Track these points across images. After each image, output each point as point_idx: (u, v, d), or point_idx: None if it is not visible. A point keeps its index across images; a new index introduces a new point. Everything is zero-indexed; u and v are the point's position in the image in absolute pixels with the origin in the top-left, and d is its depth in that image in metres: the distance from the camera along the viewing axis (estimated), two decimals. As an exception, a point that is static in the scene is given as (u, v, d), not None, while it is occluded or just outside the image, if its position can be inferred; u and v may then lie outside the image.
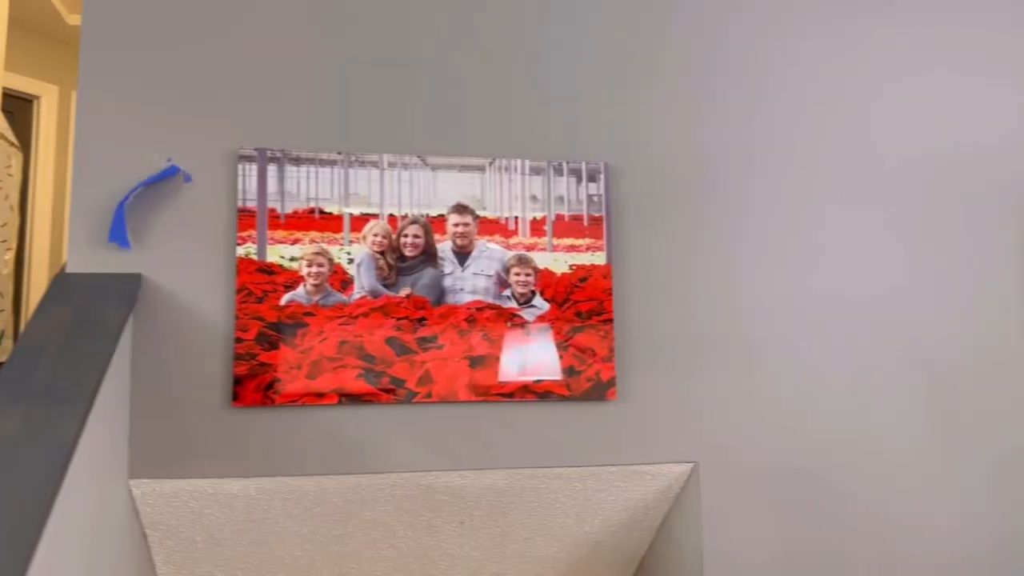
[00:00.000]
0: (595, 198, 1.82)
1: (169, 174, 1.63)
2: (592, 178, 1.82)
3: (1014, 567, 1.88)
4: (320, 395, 1.65)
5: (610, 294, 1.79)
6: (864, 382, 1.88)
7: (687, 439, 1.80)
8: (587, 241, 1.80)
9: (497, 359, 1.72)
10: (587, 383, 1.76)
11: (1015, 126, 2.04)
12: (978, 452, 1.90)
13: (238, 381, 1.61)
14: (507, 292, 1.75)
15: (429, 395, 1.69)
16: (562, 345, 1.76)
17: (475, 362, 1.72)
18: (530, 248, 1.77)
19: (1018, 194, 2.02)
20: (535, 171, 1.80)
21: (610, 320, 1.78)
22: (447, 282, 1.73)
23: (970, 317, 1.94)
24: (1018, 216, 2.01)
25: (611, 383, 1.77)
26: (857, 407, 1.87)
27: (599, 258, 1.80)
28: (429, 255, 1.73)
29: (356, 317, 1.68)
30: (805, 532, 1.82)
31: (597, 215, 1.81)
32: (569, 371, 1.76)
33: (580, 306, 1.78)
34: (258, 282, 1.64)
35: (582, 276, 1.79)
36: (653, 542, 2.00)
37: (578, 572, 2.02)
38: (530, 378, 1.74)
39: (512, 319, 1.75)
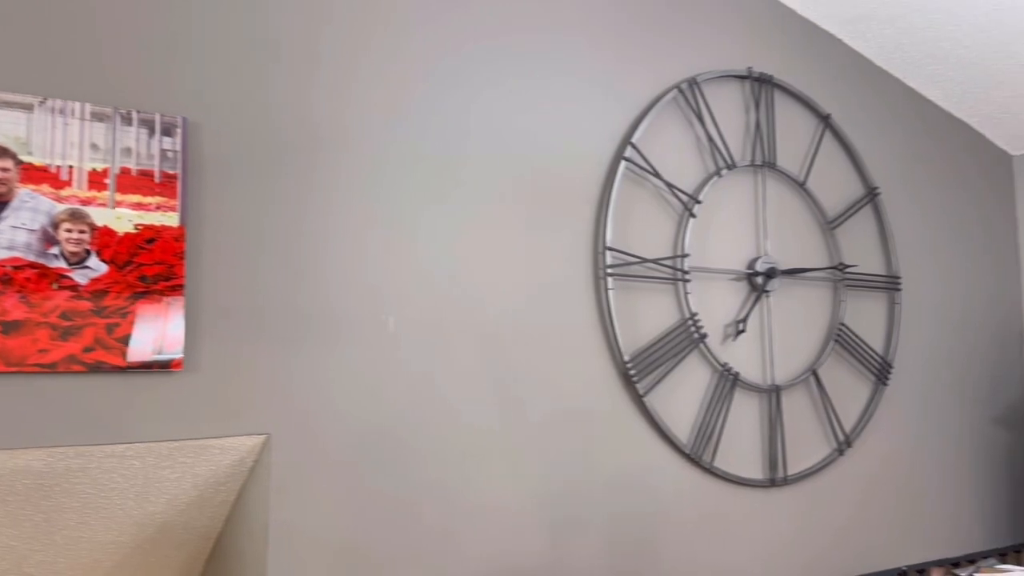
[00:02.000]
0: (170, 154, 1.69)
1: None
2: (168, 132, 1.69)
3: (552, 513, 2.11)
4: None
5: (182, 258, 1.68)
6: (439, 354, 1.98)
7: (261, 410, 1.75)
8: (158, 200, 1.67)
9: (38, 324, 1.53)
10: (149, 353, 1.63)
11: (588, 130, 2.27)
12: (531, 415, 2.10)
13: None
14: (55, 250, 1.56)
15: (-59, 365, 1.44)
16: (121, 312, 1.61)
17: (9, 328, 1.50)
18: (87, 202, 1.59)
19: (586, 191, 2.26)
20: (98, 117, 1.62)
21: (180, 286, 1.67)
22: (-27, 234, 1.49)
23: (537, 296, 2.14)
24: (586, 211, 2.25)
25: (177, 353, 1.66)
26: (432, 378, 1.96)
27: (171, 219, 1.67)
28: (-51, 201, 1.47)
29: None
30: (377, 498, 1.87)
31: (172, 172, 1.68)
32: (128, 340, 1.61)
33: (145, 270, 1.64)
34: None
35: (149, 237, 1.65)
36: (228, 518, 1.93)
37: (143, 555, 1.88)
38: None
39: (60, 280, 1.56)
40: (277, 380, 1.77)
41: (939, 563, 2.82)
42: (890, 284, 2.79)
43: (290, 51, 1.85)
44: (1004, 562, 3.00)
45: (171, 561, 1.95)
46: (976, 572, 2.74)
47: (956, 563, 2.88)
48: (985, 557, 2.96)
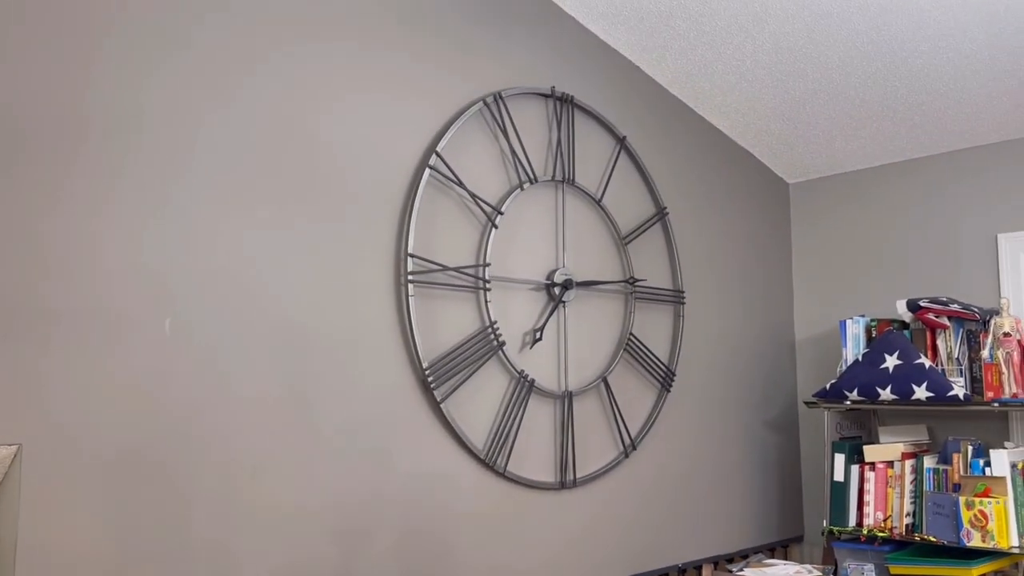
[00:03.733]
0: (-90, 131, 1.51)
1: None
2: (-92, 107, 1.51)
3: (344, 521, 2.08)
4: None
5: (-80, 248, 1.50)
6: (222, 359, 1.89)
7: (10, 419, 1.60)
8: None
9: None
10: None
11: (394, 135, 2.27)
12: (324, 423, 2.06)
13: None
14: None
15: None
16: None
17: None
18: None
19: (390, 197, 2.25)
20: None
21: (-83, 279, 1.49)
22: None
23: (335, 300, 2.10)
24: (389, 216, 2.24)
25: (-90, 354, 1.48)
26: (214, 384, 1.87)
27: (-92, 204, 1.50)
28: None
29: None
30: (144, 514, 1.75)
31: (-89, 152, 1.51)
32: None
33: None
34: None
35: None
36: (-27, 538, 1.74)
37: None
38: None
39: None
40: (30, 386, 1.62)
41: (713, 559, 3.04)
42: (675, 298, 2.99)
43: (35, 31, 1.71)
44: (772, 557, 3.28)
45: (-99, 588, 1.73)
46: (746, 566, 2.97)
47: (730, 559, 3.11)
48: (755, 552, 3.23)
